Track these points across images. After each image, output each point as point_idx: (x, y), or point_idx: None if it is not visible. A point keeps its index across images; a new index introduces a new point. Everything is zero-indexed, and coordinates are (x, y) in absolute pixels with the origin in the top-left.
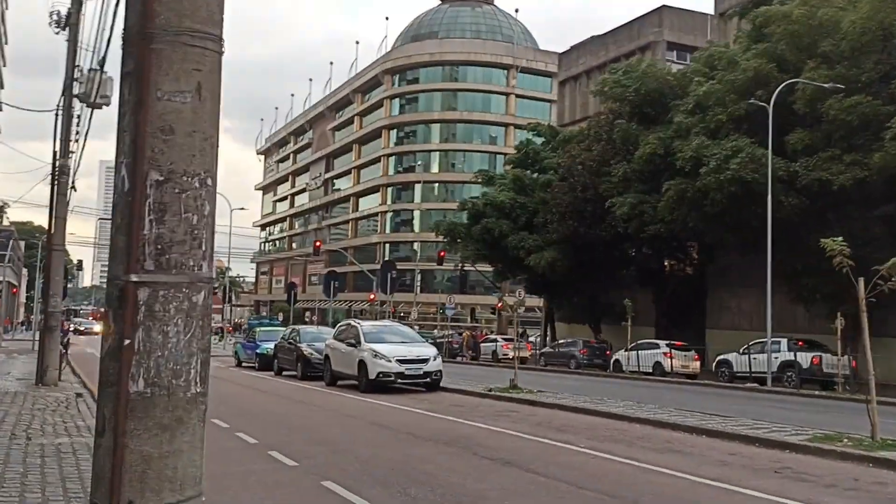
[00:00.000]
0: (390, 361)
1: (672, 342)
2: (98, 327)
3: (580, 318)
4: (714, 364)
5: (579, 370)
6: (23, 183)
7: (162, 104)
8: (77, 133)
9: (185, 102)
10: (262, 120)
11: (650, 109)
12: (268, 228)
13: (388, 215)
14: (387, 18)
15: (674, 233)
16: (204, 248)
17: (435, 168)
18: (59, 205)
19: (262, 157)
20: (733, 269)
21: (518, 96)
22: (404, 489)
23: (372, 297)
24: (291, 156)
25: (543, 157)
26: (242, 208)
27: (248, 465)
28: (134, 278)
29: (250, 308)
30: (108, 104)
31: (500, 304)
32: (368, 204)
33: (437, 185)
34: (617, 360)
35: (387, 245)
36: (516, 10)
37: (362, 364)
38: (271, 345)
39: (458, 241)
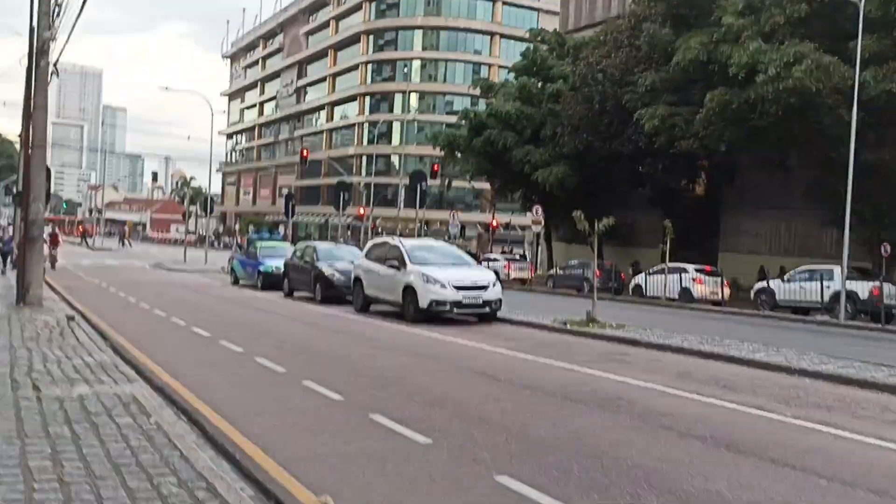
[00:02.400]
0: (445, 287)
1: (701, 266)
2: (60, 237)
3: (580, 238)
4: (753, 292)
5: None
6: None
7: None
8: (59, 6)
9: None
10: (227, 22)
11: (688, 11)
12: (235, 137)
13: (366, 126)
14: None
15: (707, 148)
16: None
17: (416, 78)
18: (38, 93)
19: (229, 61)
20: (750, 189)
21: (506, 3)
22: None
23: (361, 211)
24: (261, 61)
25: (551, 66)
26: (225, 112)
27: (377, 442)
28: None
29: (216, 219)
30: None
31: (494, 223)
32: (344, 114)
33: (417, 95)
34: (638, 285)
35: (364, 157)
36: None
37: (409, 290)
38: (276, 262)
39: (458, 153)
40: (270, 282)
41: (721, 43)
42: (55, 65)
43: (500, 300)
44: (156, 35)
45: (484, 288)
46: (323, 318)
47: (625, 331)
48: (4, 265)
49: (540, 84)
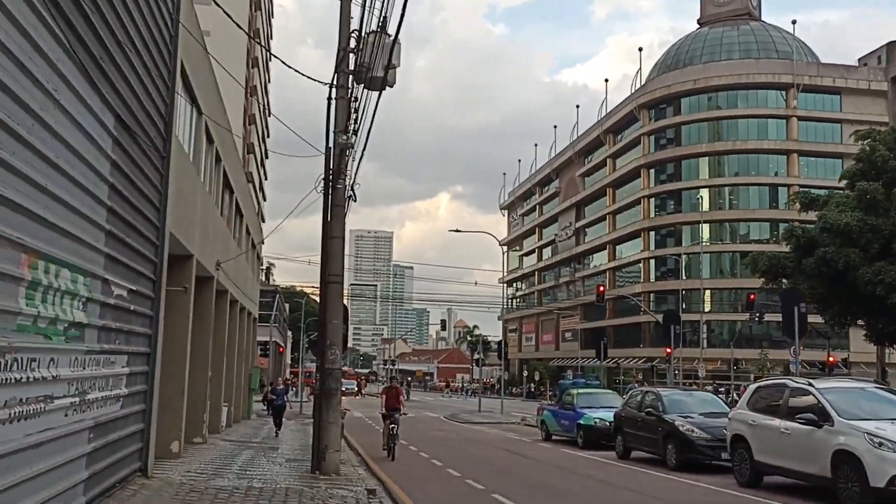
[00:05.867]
0: None
1: None
2: (361, 388)
3: None
4: None
5: None
6: (284, 253)
7: None
8: (356, 122)
9: None
10: (504, 174)
11: None
12: (514, 284)
13: (652, 262)
14: (640, 49)
15: None
16: None
17: (705, 207)
18: (334, 221)
19: (506, 212)
20: None
21: (801, 119)
22: None
23: (668, 350)
24: (537, 208)
25: None
26: (504, 260)
27: None
28: None
29: (498, 367)
30: (390, 84)
31: (831, 359)
32: (627, 251)
33: (708, 225)
34: None
35: (651, 294)
36: (793, 22)
37: (847, 458)
38: (599, 413)
39: (784, 279)
40: (593, 437)
41: None
42: (352, 187)
43: None
44: (436, 200)
45: None
46: (706, 500)
47: None
48: (279, 424)
49: (883, 189)
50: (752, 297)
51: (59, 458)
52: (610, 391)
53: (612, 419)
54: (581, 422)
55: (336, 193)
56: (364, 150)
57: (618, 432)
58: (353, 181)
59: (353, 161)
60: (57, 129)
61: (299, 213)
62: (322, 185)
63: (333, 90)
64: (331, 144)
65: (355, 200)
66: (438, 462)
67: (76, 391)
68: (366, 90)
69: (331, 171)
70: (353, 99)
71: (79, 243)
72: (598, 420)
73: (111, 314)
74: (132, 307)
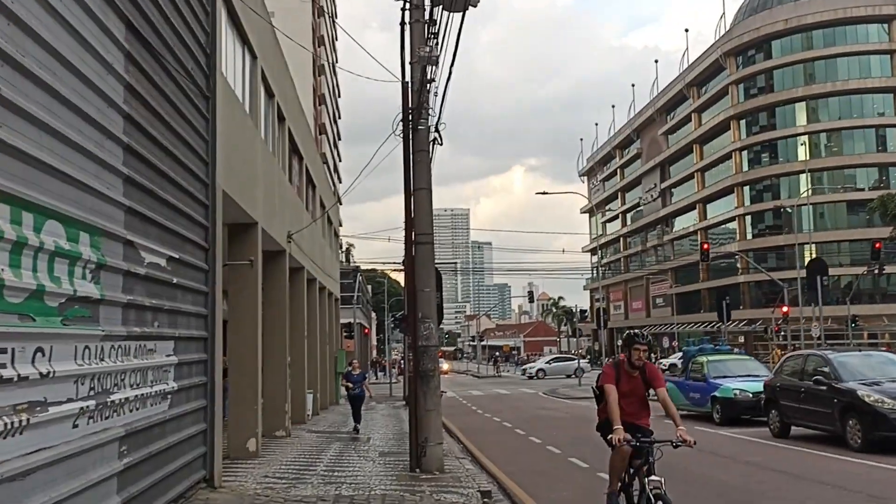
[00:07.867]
0: None
1: None
2: (446, 365)
3: None
4: None
5: None
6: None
7: None
8: (435, 46)
9: None
10: (581, 140)
11: None
12: (599, 252)
13: (748, 218)
14: None
15: None
16: None
17: (804, 156)
18: (418, 168)
19: (585, 178)
20: None
21: None
22: None
23: (785, 309)
24: (618, 171)
25: None
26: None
27: None
28: None
29: (587, 337)
30: (473, 3)
31: None
32: (719, 209)
33: (807, 175)
34: None
35: (750, 253)
36: None
37: None
38: (739, 384)
39: None
40: (733, 412)
41: None
42: (436, 128)
43: None
44: (510, 175)
45: None
46: None
47: None
48: (357, 417)
49: None
50: (877, 245)
51: (64, 487)
52: (746, 356)
53: (754, 390)
54: (717, 394)
55: (418, 136)
56: (448, 82)
57: (771, 405)
58: (438, 120)
59: (435, 97)
60: (14, 10)
61: (376, 192)
62: (400, 127)
63: (407, 13)
64: (407, 78)
65: (441, 144)
66: (556, 449)
67: (91, 391)
68: (445, 12)
69: (410, 109)
70: (430, 21)
71: (76, 186)
72: (737, 391)
73: (142, 288)
74: (175, 280)
